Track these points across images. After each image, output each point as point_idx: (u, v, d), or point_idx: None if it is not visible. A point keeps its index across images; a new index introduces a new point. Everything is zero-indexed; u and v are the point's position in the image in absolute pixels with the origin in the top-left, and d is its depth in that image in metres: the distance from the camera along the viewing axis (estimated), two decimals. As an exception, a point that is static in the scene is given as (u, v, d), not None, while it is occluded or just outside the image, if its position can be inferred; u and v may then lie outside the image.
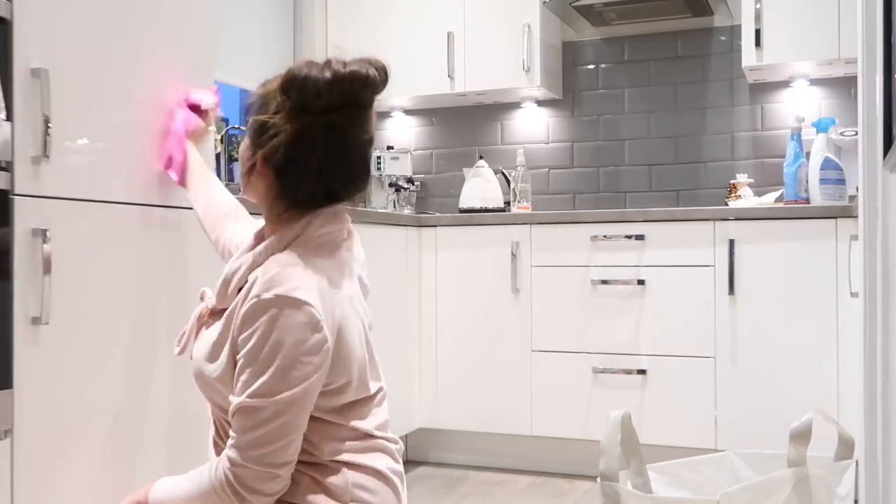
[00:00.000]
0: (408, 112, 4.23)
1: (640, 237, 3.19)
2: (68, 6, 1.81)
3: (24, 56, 1.69)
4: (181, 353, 1.56)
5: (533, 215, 3.38)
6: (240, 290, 1.41)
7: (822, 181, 3.07)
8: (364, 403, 1.48)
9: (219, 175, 3.14)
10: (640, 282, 3.19)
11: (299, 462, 1.38)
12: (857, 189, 2.30)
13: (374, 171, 3.98)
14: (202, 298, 1.55)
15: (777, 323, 3.02)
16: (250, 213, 1.87)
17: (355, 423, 1.45)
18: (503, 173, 3.87)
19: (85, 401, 1.82)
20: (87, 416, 1.83)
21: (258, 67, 3.78)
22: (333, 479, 1.40)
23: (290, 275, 1.34)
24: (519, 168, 3.77)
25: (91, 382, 1.84)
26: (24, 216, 1.69)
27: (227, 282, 1.45)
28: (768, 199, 3.32)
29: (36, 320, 1.70)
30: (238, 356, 1.36)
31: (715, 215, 3.10)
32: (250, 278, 1.39)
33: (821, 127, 3.16)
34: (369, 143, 1.46)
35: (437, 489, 3.18)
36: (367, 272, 1.61)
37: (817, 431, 2.23)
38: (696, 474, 2.39)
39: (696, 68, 3.77)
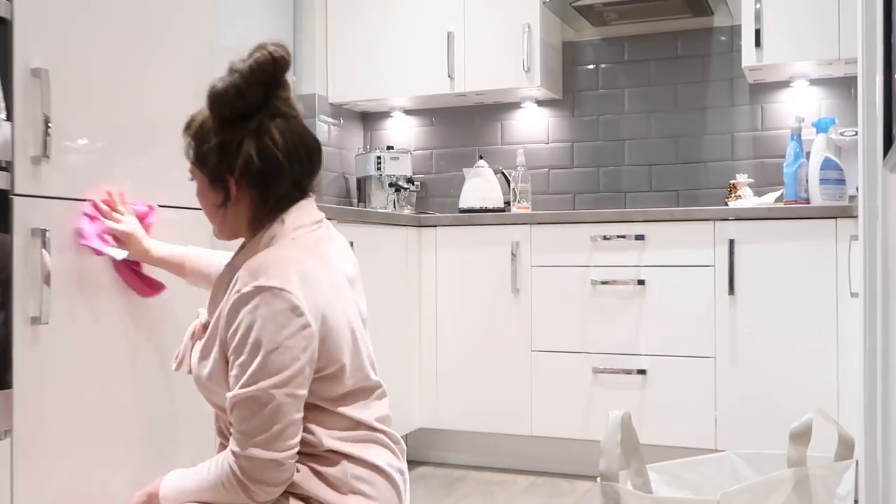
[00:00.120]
0: (408, 112, 4.23)
1: (640, 237, 3.19)
2: (68, 6, 1.81)
3: (24, 56, 1.69)
4: (178, 368, 1.60)
5: (533, 215, 3.38)
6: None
7: (822, 181, 3.07)
8: (364, 394, 1.49)
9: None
10: (640, 282, 3.19)
11: (299, 453, 1.39)
12: (857, 189, 2.30)
13: (374, 171, 3.98)
14: (198, 317, 1.60)
15: (777, 323, 3.02)
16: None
17: (355, 414, 1.46)
18: (503, 173, 3.87)
19: (85, 401, 1.82)
20: (87, 416, 1.83)
21: (258, 67, 3.78)
22: (333, 471, 1.41)
23: (269, 267, 1.38)
24: (519, 168, 3.77)
25: (91, 382, 1.84)
26: (24, 216, 1.69)
27: (215, 294, 1.53)
28: (768, 199, 3.32)
29: (36, 320, 1.70)
30: (228, 354, 1.39)
31: (715, 215, 3.11)
32: (237, 272, 1.43)
33: (821, 127, 3.16)
34: (299, 121, 1.50)
35: (437, 489, 3.18)
36: (355, 260, 1.62)
37: (817, 431, 2.23)
38: (696, 474, 2.39)
39: (696, 68, 3.77)
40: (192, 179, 1.54)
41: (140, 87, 2.00)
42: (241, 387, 1.34)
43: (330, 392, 1.43)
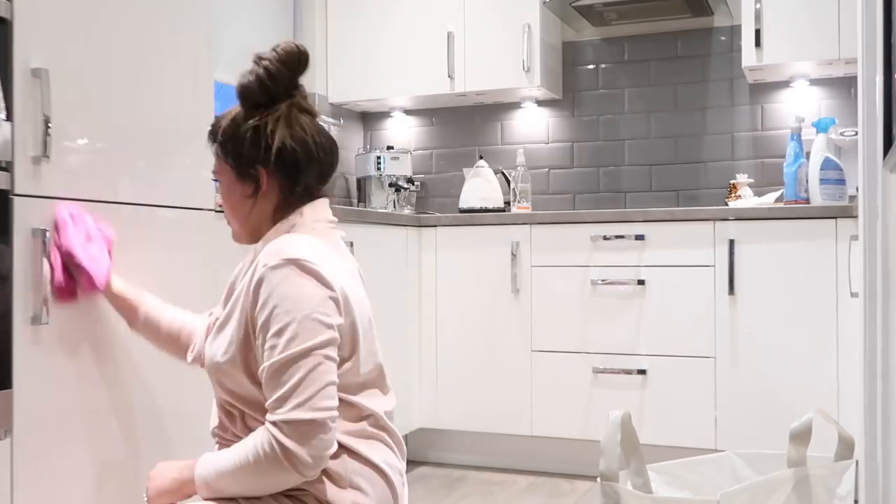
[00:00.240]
0: (408, 112, 4.23)
1: (640, 237, 3.19)
2: (68, 6, 1.81)
3: (24, 56, 1.69)
4: (192, 361, 1.63)
5: (533, 215, 3.38)
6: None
7: (822, 181, 3.07)
8: (377, 384, 1.52)
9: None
10: (640, 282, 3.19)
11: None
12: (857, 189, 2.30)
13: (374, 171, 3.98)
14: (211, 315, 1.63)
15: (777, 323, 3.02)
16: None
17: (367, 403, 1.48)
18: (503, 173, 3.87)
19: (85, 401, 1.82)
20: (87, 416, 1.83)
21: (258, 67, 3.78)
22: (333, 464, 1.41)
23: (293, 245, 1.42)
24: (519, 168, 3.77)
25: (91, 382, 1.84)
26: (24, 216, 1.69)
27: (232, 283, 1.54)
28: (768, 199, 3.32)
29: (36, 320, 1.70)
30: (257, 330, 1.40)
31: (715, 215, 3.10)
32: (258, 255, 1.46)
33: (821, 127, 3.16)
34: (318, 120, 1.56)
35: (437, 489, 3.18)
36: (361, 267, 1.67)
37: (817, 431, 2.23)
38: (696, 474, 2.39)
39: (696, 68, 3.77)
40: (216, 179, 1.57)
41: (140, 87, 2.00)
42: (277, 354, 1.35)
43: (345, 379, 1.44)
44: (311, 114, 1.53)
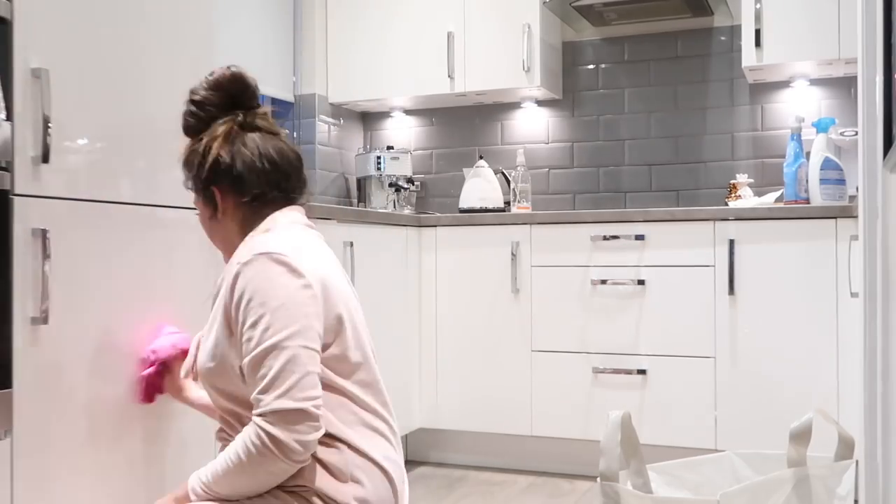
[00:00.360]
0: (408, 112, 4.23)
1: (640, 237, 3.19)
2: (68, 6, 1.81)
3: (24, 56, 1.69)
4: (186, 376, 1.67)
5: (533, 215, 3.38)
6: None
7: (822, 181, 3.07)
8: (369, 376, 1.52)
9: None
10: (640, 282, 3.19)
11: None
12: (857, 189, 2.30)
13: (374, 171, 3.98)
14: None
15: (777, 323, 3.02)
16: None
17: (360, 394, 1.48)
18: (503, 173, 3.87)
19: (85, 401, 1.82)
20: (86, 416, 1.83)
21: (258, 67, 3.78)
22: (333, 458, 1.41)
23: (265, 240, 1.47)
24: (519, 168, 3.77)
25: (91, 382, 1.84)
26: (24, 216, 1.69)
27: (216, 291, 1.56)
28: (768, 199, 3.32)
29: (36, 320, 1.70)
30: (237, 327, 1.42)
31: (715, 215, 3.10)
32: (233, 258, 1.50)
33: (821, 127, 3.16)
34: (279, 135, 1.61)
35: (437, 489, 3.18)
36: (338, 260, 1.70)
37: (817, 431, 2.23)
38: (696, 474, 2.38)
39: (696, 68, 3.77)
40: (196, 211, 1.63)
41: (140, 87, 2.00)
42: (255, 347, 1.37)
43: (333, 364, 1.45)
44: (270, 132, 1.58)
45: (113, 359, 1.89)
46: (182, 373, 1.74)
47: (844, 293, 2.92)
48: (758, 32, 3.31)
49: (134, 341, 1.95)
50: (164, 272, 2.03)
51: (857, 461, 2.20)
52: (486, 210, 3.73)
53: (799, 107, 3.60)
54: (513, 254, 3.35)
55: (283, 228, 1.53)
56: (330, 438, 1.43)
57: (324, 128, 4.01)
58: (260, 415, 1.34)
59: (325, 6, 4.01)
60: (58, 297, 1.75)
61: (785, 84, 3.62)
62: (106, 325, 1.87)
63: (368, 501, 1.42)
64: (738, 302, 3.07)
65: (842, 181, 3.08)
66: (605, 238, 3.24)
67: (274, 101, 4.01)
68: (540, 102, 4.00)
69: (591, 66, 3.94)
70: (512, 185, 3.77)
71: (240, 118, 1.57)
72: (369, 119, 4.31)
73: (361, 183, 4.09)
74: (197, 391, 1.85)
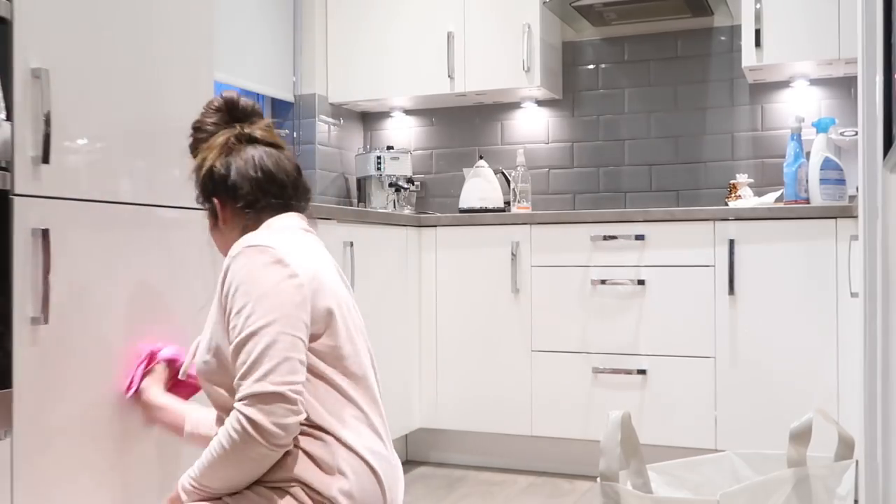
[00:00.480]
0: (408, 112, 4.23)
1: (640, 237, 3.19)
2: (68, 6, 1.81)
3: (24, 56, 1.69)
4: (179, 374, 1.70)
5: (533, 215, 3.38)
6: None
7: (822, 181, 3.07)
8: (361, 373, 1.52)
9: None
10: (640, 282, 3.19)
11: None
12: (857, 189, 2.30)
13: (374, 171, 3.98)
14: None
15: (777, 323, 3.02)
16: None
17: (350, 390, 1.49)
18: (503, 173, 3.87)
19: (85, 401, 1.82)
20: (87, 416, 1.83)
21: (258, 67, 3.78)
22: (319, 450, 1.42)
23: (255, 234, 1.52)
24: (519, 168, 3.77)
25: (91, 382, 1.84)
26: (24, 216, 1.69)
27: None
28: (768, 199, 3.32)
29: (36, 320, 1.70)
30: (227, 315, 1.46)
31: (715, 215, 3.11)
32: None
33: (821, 127, 3.16)
34: (280, 147, 1.68)
35: (437, 489, 3.18)
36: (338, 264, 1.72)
37: (817, 431, 2.23)
38: (696, 474, 2.38)
39: (696, 68, 3.77)
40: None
41: (140, 87, 2.00)
42: (238, 332, 1.40)
43: (322, 354, 1.47)
44: (272, 145, 1.64)
45: (113, 359, 1.89)
46: (180, 374, 1.74)
47: (844, 293, 2.92)
48: (758, 32, 3.31)
49: (134, 341, 1.95)
50: (164, 272, 2.03)
51: (857, 461, 2.20)
52: (486, 210, 3.73)
53: (799, 107, 3.60)
54: (513, 254, 3.35)
55: (278, 231, 1.56)
56: (316, 430, 1.43)
57: (324, 128, 4.01)
58: (239, 399, 1.37)
59: (325, 6, 4.01)
60: (58, 297, 1.75)
61: (785, 84, 3.62)
62: (106, 324, 1.87)
63: (352, 494, 1.42)
64: (738, 302, 3.07)
65: (842, 181, 3.08)
66: (604, 238, 3.24)
67: (274, 101, 4.01)
68: (540, 102, 4.00)
69: (591, 66, 3.94)
70: (512, 185, 3.77)
71: (237, 130, 1.64)
72: (369, 119, 4.31)
73: (361, 183, 4.09)
74: (165, 398, 1.85)
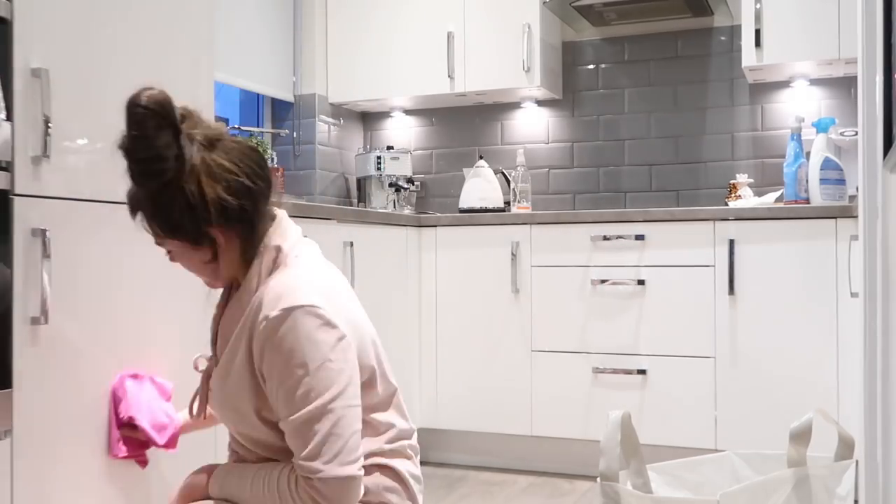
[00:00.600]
0: (408, 112, 4.23)
1: (640, 237, 3.19)
2: (68, 6, 1.81)
3: (24, 56, 1.69)
4: (195, 415, 1.56)
5: (533, 215, 3.38)
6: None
7: (822, 181, 3.07)
8: (390, 399, 1.52)
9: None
10: (640, 282, 3.19)
11: None
12: (857, 189, 2.30)
13: (374, 171, 3.98)
14: (196, 367, 1.55)
15: (777, 323, 3.02)
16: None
17: (385, 419, 1.48)
18: (503, 173, 3.87)
19: (84, 401, 1.82)
20: (87, 416, 1.83)
21: (258, 67, 3.78)
22: (366, 481, 1.41)
23: (290, 289, 1.35)
24: (519, 168, 3.77)
25: (91, 382, 1.84)
26: (24, 216, 1.69)
27: (223, 332, 1.46)
28: (768, 199, 3.32)
29: (36, 320, 1.70)
30: (269, 384, 1.35)
31: (715, 215, 3.10)
32: (253, 302, 1.38)
33: (821, 127, 3.16)
34: (233, 139, 1.43)
35: (437, 489, 3.18)
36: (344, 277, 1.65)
37: (817, 431, 2.23)
38: (696, 474, 2.38)
39: (696, 68, 3.77)
40: (168, 251, 1.44)
41: (140, 87, 1.99)
42: (297, 410, 1.31)
43: (370, 400, 1.44)
44: (218, 138, 1.39)
45: (113, 359, 1.89)
46: (187, 414, 1.67)
47: (844, 293, 2.92)
48: (758, 32, 3.31)
49: (134, 341, 1.95)
50: (164, 272, 2.03)
51: (857, 461, 2.20)
52: (486, 210, 3.73)
53: (799, 107, 3.60)
54: (513, 254, 3.35)
55: (297, 259, 1.42)
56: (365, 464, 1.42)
57: (324, 128, 4.01)
58: (308, 479, 1.31)
59: (326, 6, 4.01)
60: (58, 297, 1.75)
61: (785, 84, 3.62)
62: (106, 325, 1.87)
63: None
64: (738, 302, 3.07)
65: (842, 181, 3.08)
66: (605, 238, 3.24)
67: (274, 101, 4.01)
68: (540, 102, 4.00)
69: (591, 66, 3.94)
70: (512, 185, 3.77)
71: (197, 139, 1.37)
72: (369, 119, 4.31)
73: (361, 183, 4.09)
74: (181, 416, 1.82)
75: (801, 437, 2.14)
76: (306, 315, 1.32)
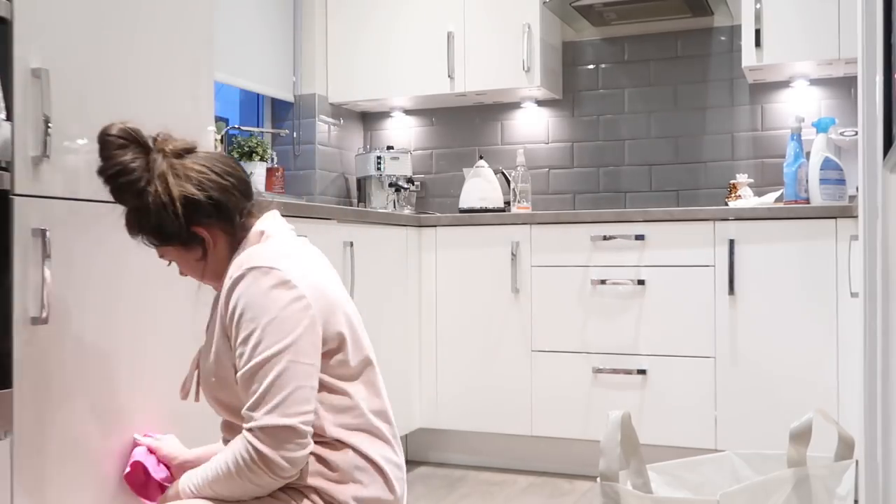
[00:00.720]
0: (408, 112, 4.23)
1: (640, 237, 3.19)
2: (68, 6, 1.81)
3: (24, 56, 1.69)
4: (185, 397, 1.63)
5: (533, 215, 3.38)
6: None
7: (822, 181, 3.07)
8: (369, 377, 1.52)
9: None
10: (640, 282, 3.19)
11: None
12: (857, 189, 2.30)
13: (374, 171, 3.98)
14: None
15: (777, 323, 3.02)
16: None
17: (360, 400, 1.49)
18: (503, 173, 3.87)
19: (85, 401, 1.82)
20: (87, 417, 1.83)
21: (258, 67, 3.78)
22: (337, 458, 1.43)
23: (256, 253, 1.46)
24: (519, 168, 3.77)
25: (91, 382, 1.84)
26: (24, 216, 1.69)
27: (212, 312, 1.57)
28: (768, 199, 3.32)
29: (36, 320, 1.70)
30: (232, 341, 1.42)
31: (715, 215, 3.10)
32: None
33: (821, 127, 3.16)
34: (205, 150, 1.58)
35: (437, 489, 3.18)
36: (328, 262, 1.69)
37: (817, 431, 2.23)
38: (696, 474, 2.38)
39: (696, 68, 3.77)
40: (168, 261, 1.58)
41: (140, 87, 2.00)
42: (246, 363, 1.37)
43: (338, 370, 1.46)
44: (189, 151, 1.52)
45: (113, 359, 1.89)
46: (180, 395, 1.70)
47: (844, 293, 2.92)
48: (758, 32, 3.31)
49: (133, 341, 1.95)
50: (164, 272, 2.03)
51: (857, 461, 2.20)
52: (486, 210, 3.74)
53: (799, 107, 3.60)
54: (513, 254, 3.35)
55: (275, 240, 1.52)
56: (333, 440, 1.44)
57: (324, 128, 4.01)
58: (249, 430, 1.35)
59: (326, 6, 4.01)
60: (58, 297, 1.75)
61: (785, 84, 3.62)
62: (106, 325, 1.87)
63: (366, 501, 1.43)
64: (738, 302, 3.07)
65: (842, 181, 3.08)
66: (604, 238, 3.24)
67: (274, 101, 4.01)
68: (540, 102, 4.00)
69: (591, 66, 3.94)
70: (512, 185, 3.77)
71: (163, 151, 1.50)
72: (369, 119, 4.31)
73: (361, 183, 4.09)
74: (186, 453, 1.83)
75: (801, 437, 2.14)
76: (264, 275, 1.41)
